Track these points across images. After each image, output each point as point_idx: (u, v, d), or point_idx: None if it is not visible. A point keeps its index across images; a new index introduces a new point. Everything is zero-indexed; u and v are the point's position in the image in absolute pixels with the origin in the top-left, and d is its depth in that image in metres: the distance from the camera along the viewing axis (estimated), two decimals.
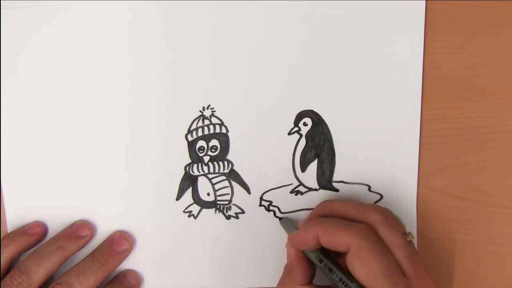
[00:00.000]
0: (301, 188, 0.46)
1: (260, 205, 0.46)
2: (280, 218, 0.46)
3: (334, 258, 0.41)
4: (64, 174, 0.46)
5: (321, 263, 0.40)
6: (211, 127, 0.46)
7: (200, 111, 0.45)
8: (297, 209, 0.46)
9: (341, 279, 0.39)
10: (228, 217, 0.46)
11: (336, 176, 0.46)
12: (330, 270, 0.40)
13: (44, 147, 0.46)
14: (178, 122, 0.46)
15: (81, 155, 0.46)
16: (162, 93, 0.45)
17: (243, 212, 0.46)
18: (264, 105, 0.45)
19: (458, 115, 0.45)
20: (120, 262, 0.46)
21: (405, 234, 0.39)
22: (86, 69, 0.45)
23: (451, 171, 0.46)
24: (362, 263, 0.37)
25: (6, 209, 0.46)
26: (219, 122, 0.45)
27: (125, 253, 0.46)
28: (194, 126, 0.46)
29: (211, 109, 0.45)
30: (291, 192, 0.46)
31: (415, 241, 0.45)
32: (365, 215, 0.40)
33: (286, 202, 0.46)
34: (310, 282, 0.41)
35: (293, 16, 0.44)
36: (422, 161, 0.45)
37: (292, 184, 0.46)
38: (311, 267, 0.42)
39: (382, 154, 0.45)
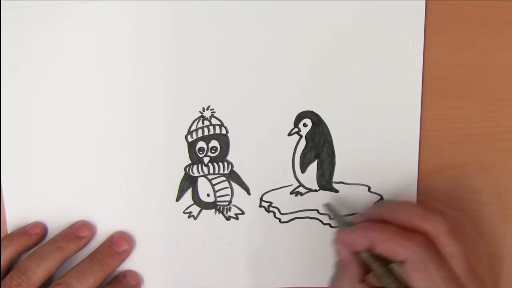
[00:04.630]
0: (301, 189, 0.46)
1: (260, 206, 0.46)
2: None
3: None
4: (64, 174, 0.46)
5: (369, 266, 0.40)
6: (211, 128, 0.46)
7: (200, 112, 0.45)
8: (297, 210, 0.46)
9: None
10: (228, 218, 0.46)
11: (336, 177, 0.45)
12: (378, 278, 0.39)
13: (44, 148, 0.46)
14: (178, 123, 0.46)
15: (81, 156, 0.46)
16: (162, 93, 0.45)
17: (243, 213, 0.46)
18: (264, 105, 0.45)
19: (458, 115, 0.45)
20: (120, 263, 0.46)
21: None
22: (86, 69, 0.45)
23: (451, 172, 0.45)
24: (422, 276, 0.37)
25: (6, 209, 0.46)
26: (219, 123, 0.45)
27: (125, 254, 0.46)
28: (194, 127, 0.46)
29: (211, 110, 0.45)
30: (291, 193, 0.46)
31: None
32: (428, 224, 0.39)
33: (286, 203, 0.46)
34: (365, 277, 0.41)
35: (293, 16, 0.44)
36: (422, 161, 0.45)
37: (292, 185, 0.46)
38: (364, 264, 0.41)
39: (382, 155, 0.45)
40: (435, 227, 0.38)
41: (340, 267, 0.41)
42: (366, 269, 0.40)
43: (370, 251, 0.40)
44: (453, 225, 0.39)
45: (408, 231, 0.39)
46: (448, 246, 0.38)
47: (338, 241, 0.41)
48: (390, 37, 0.44)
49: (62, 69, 0.45)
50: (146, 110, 0.46)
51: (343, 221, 0.43)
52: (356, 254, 0.40)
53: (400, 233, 0.38)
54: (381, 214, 0.41)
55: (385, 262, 0.39)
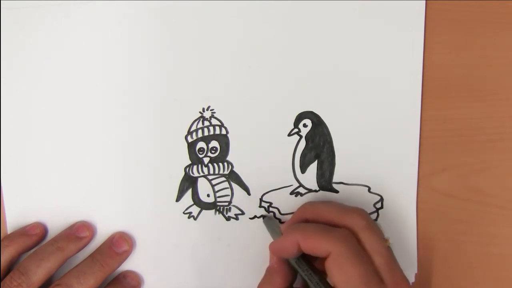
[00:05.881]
0: (301, 190, 0.46)
1: (260, 206, 0.46)
2: (263, 217, 0.46)
3: (312, 261, 0.41)
4: (64, 175, 0.46)
5: (298, 272, 0.41)
6: (211, 128, 0.46)
7: (200, 112, 0.45)
8: None
9: None
10: (228, 218, 0.46)
11: (336, 177, 0.45)
12: (305, 281, 0.40)
13: (44, 148, 0.46)
14: (178, 123, 0.46)
15: (81, 156, 0.46)
16: (162, 94, 0.45)
17: (243, 213, 0.46)
18: (264, 106, 0.45)
19: (458, 116, 0.45)
20: (120, 264, 0.46)
21: (383, 239, 0.39)
22: (86, 69, 0.45)
23: (451, 172, 0.45)
24: (341, 270, 0.37)
25: (6, 210, 0.47)
26: (219, 123, 0.45)
27: (125, 255, 0.46)
28: (194, 127, 0.46)
29: (211, 110, 0.45)
30: (291, 193, 0.46)
31: (414, 242, 0.45)
32: (349, 219, 0.39)
33: (286, 203, 0.46)
34: (290, 286, 0.41)
35: (293, 17, 0.44)
36: (422, 161, 0.45)
37: (292, 185, 0.46)
38: (293, 271, 0.41)
39: (382, 155, 0.45)
40: (354, 222, 0.39)
41: (267, 273, 0.42)
42: (292, 277, 0.41)
43: (298, 257, 0.40)
44: (371, 221, 0.40)
45: (330, 227, 0.39)
46: (368, 240, 0.38)
47: (270, 250, 0.42)
48: (390, 37, 0.44)
49: (62, 69, 0.46)
50: (146, 111, 0.46)
51: (277, 232, 0.43)
52: (284, 262, 0.41)
53: (322, 229, 0.39)
54: (304, 216, 0.42)
55: (313, 267, 0.40)
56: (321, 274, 0.40)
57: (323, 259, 0.38)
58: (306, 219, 0.42)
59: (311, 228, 0.39)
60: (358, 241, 0.38)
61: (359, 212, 0.40)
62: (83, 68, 0.45)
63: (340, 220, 0.40)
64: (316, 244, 0.38)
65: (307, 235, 0.39)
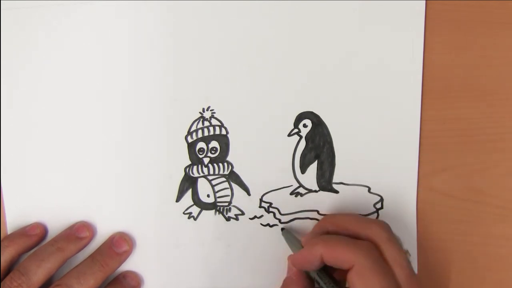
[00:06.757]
0: (301, 190, 0.46)
1: (260, 206, 0.46)
2: (282, 229, 0.46)
3: (331, 272, 0.41)
4: (64, 175, 0.46)
5: (318, 284, 0.40)
6: (211, 128, 0.46)
7: (200, 112, 0.45)
8: (297, 210, 0.46)
9: None
10: (228, 219, 0.46)
11: (336, 178, 0.45)
12: None
13: (44, 149, 0.46)
14: (178, 123, 0.46)
15: (81, 157, 0.46)
16: (162, 94, 0.45)
17: (243, 213, 0.46)
18: (264, 106, 0.45)
19: (458, 116, 0.45)
20: (120, 264, 0.46)
21: (403, 251, 0.39)
22: (86, 69, 0.45)
23: (451, 172, 0.45)
24: (364, 282, 0.37)
25: (6, 210, 0.47)
26: (219, 123, 0.45)
27: (125, 255, 0.46)
28: (194, 128, 0.46)
29: (211, 110, 0.45)
30: (291, 193, 0.46)
31: (414, 242, 0.45)
32: (370, 231, 0.39)
33: (286, 203, 0.46)
34: None
35: (293, 17, 0.44)
36: (422, 162, 0.45)
37: (292, 185, 0.46)
38: (311, 283, 0.41)
39: (382, 155, 0.45)
40: (376, 234, 0.39)
41: (284, 285, 0.42)
42: None
43: (319, 270, 0.40)
44: (392, 233, 0.40)
45: (353, 239, 0.39)
46: (390, 252, 0.38)
47: (291, 262, 0.41)
48: (390, 37, 0.44)
49: (62, 69, 0.46)
50: (146, 111, 0.46)
51: (297, 245, 0.43)
52: (303, 274, 0.41)
53: (346, 241, 0.39)
54: (324, 228, 0.42)
55: (334, 280, 0.40)
56: (342, 287, 0.40)
57: (341, 271, 0.38)
58: (327, 231, 0.42)
59: (335, 240, 0.39)
60: (380, 252, 0.38)
61: (381, 224, 0.40)
62: (83, 68, 0.45)
63: (362, 231, 0.40)
64: (340, 255, 0.38)
65: (331, 246, 0.38)
